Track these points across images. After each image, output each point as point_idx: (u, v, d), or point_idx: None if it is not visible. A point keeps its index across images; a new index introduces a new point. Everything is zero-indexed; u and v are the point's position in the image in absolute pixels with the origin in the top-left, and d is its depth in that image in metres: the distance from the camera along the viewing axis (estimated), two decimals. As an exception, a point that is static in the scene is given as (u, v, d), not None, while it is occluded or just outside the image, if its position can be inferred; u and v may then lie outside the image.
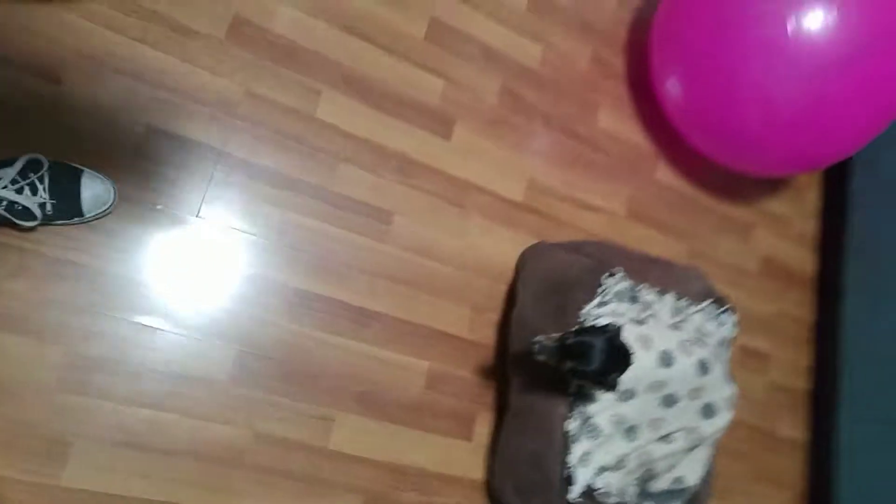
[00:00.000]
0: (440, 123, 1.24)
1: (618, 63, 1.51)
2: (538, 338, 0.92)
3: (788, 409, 1.63)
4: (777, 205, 1.71)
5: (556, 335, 0.91)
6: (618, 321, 1.03)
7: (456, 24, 1.30)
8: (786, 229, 1.72)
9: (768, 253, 1.68)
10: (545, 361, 0.91)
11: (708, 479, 1.19)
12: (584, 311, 1.07)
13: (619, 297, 1.12)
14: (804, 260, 1.74)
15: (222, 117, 1.04)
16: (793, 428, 1.63)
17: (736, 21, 1.20)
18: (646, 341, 1.02)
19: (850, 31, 1.13)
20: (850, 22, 1.12)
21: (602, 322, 1.03)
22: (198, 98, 1.03)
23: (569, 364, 0.86)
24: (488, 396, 1.19)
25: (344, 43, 1.16)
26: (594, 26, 1.49)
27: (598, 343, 0.87)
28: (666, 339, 1.04)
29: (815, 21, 1.12)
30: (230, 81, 1.06)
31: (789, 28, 1.14)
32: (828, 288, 1.71)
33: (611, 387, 0.89)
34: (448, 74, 1.27)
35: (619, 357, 0.92)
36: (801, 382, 1.67)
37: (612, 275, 1.12)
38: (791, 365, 1.66)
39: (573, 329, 0.91)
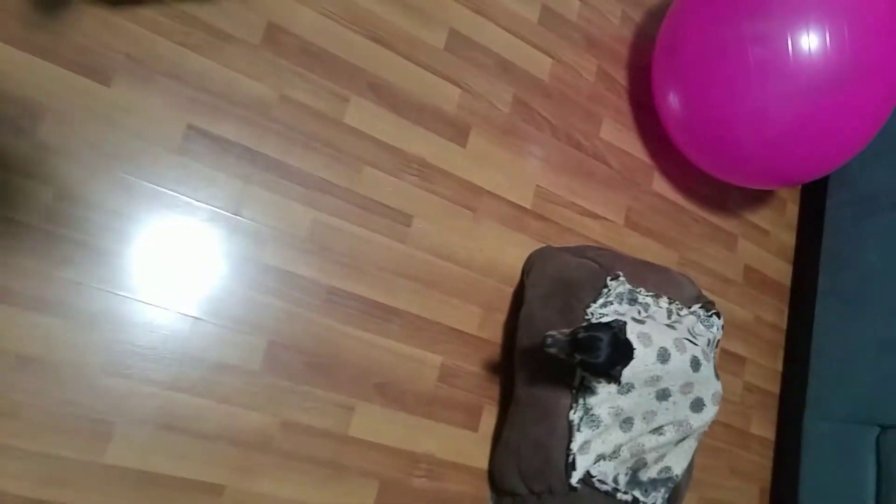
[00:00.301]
0: (456, 130, 1.31)
1: (619, 77, 1.60)
2: (550, 332, 1.00)
3: (760, 409, 1.75)
4: (759, 217, 1.83)
5: (566, 330, 1.00)
6: (620, 320, 1.12)
7: (473, 35, 1.37)
8: (766, 240, 1.84)
9: (749, 262, 1.79)
10: (556, 354, 0.99)
11: (690, 469, 1.30)
12: (589, 310, 1.16)
13: (619, 298, 1.21)
14: (781, 270, 1.87)
15: (257, 119, 1.09)
16: (763, 427, 1.75)
17: (734, 42, 1.30)
18: (645, 339, 1.11)
19: (839, 55, 1.22)
20: (840, 46, 1.22)
21: (607, 320, 1.12)
22: (235, 100, 1.07)
23: (578, 357, 0.95)
24: (494, 391, 1.27)
25: (370, 51, 1.22)
26: (598, 42, 1.57)
27: (606, 337, 0.96)
28: (663, 337, 1.14)
29: (808, 43, 1.22)
30: (265, 85, 1.11)
31: (784, 50, 1.23)
32: (801, 297, 1.84)
33: (615, 379, 0.98)
34: (464, 83, 1.34)
35: (622, 351, 1.01)
36: (772, 385, 1.79)
37: (614, 278, 1.21)
38: (765, 368, 1.78)
39: (583, 325, 1.00)
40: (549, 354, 0.99)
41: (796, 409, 1.68)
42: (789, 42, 1.22)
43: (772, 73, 1.25)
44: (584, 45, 1.54)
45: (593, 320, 1.13)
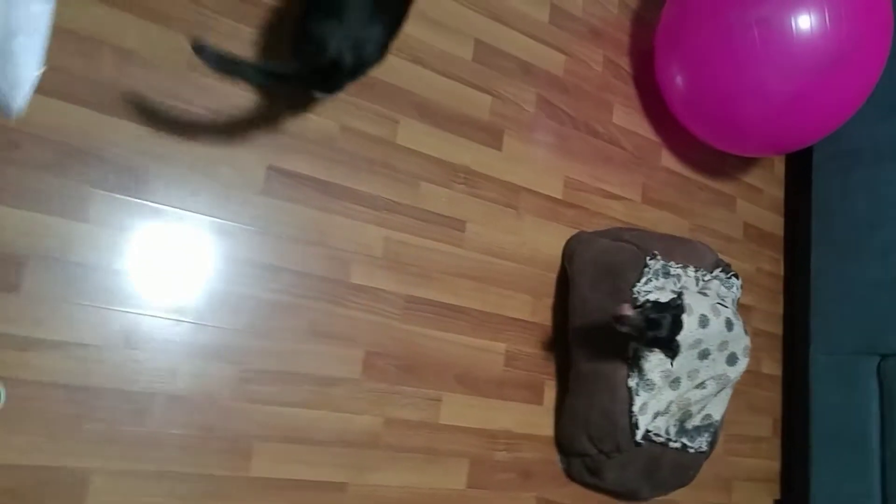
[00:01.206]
0: (492, 136, 1.42)
1: (623, 64, 1.71)
2: (624, 313, 1.14)
3: (768, 350, 1.96)
4: (752, 177, 2.00)
5: (636, 311, 1.14)
6: (660, 295, 1.27)
7: (495, 42, 1.46)
8: (760, 197, 2.02)
9: (748, 219, 1.97)
10: (628, 332, 1.14)
11: (725, 414, 1.49)
12: (635, 289, 1.31)
13: (656, 274, 1.36)
14: (774, 222, 2.05)
15: (325, 152, 1.18)
16: (771, 366, 1.96)
17: (739, 24, 1.41)
18: (688, 308, 1.26)
19: (837, 34, 1.35)
20: (837, 26, 1.35)
21: (652, 297, 1.27)
22: (304, 137, 1.16)
23: (651, 334, 1.10)
24: (551, 367, 1.43)
25: (412, 72, 1.31)
26: (602, 32, 1.68)
27: (670, 316, 1.11)
28: (701, 305, 1.30)
29: (808, 24, 1.35)
30: (327, 119, 1.19)
31: (786, 31, 1.36)
32: (795, 245, 2.03)
33: (675, 352, 1.14)
34: (494, 90, 1.44)
35: (677, 325, 1.17)
36: (775, 327, 2.00)
37: (653, 257, 1.36)
38: (768, 313, 1.98)
39: (648, 306, 1.14)
40: (621, 332, 1.14)
41: (801, 346, 1.89)
42: (791, 23, 1.35)
43: (775, 53, 1.38)
44: (590, 38, 1.65)
45: (641, 299, 1.28)
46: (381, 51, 1.03)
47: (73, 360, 0.93)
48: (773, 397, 1.95)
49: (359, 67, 1.00)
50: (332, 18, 0.94)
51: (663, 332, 1.09)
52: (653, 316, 1.09)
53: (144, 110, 1.02)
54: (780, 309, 2.01)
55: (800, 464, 1.80)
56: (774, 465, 1.88)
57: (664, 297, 1.27)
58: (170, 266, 1.02)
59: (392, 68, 1.28)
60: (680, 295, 1.21)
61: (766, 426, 1.92)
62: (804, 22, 1.35)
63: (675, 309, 1.10)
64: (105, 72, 1.00)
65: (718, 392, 1.40)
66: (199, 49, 0.84)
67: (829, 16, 1.33)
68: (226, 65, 0.91)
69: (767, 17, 1.38)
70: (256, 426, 1.05)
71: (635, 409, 1.27)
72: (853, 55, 1.37)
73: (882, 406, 1.59)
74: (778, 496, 1.85)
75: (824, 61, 1.37)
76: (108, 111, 0.99)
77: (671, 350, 1.13)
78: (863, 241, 1.74)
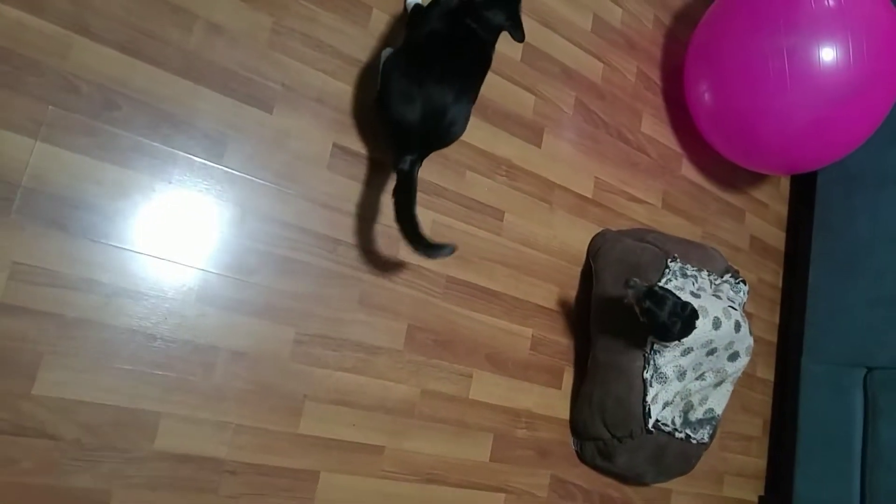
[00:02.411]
0: (533, 133, 1.50)
1: (655, 77, 1.80)
2: (634, 279, 1.24)
3: (763, 356, 2.07)
4: (760, 192, 2.10)
5: (646, 283, 1.24)
6: (681, 294, 1.37)
7: (542, 46, 1.54)
8: (766, 212, 2.13)
9: (754, 232, 2.07)
10: (630, 298, 1.24)
11: (725, 409, 1.59)
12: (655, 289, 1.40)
13: (675, 275, 1.45)
14: (777, 237, 2.16)
15: (381, 135, 1.25)
16: (765, 371, 2.08)
17: (766, 52, 1.51)
18: (703, 311, 1.36)
19: (858, 66, 1.45)
20: (859, 58, 1.45)
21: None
22: (367, 120, 1.23)
23: (647, 303, 1.20)
24: (571, 355, 1.52)
25: (465, 67, 1.38)
26: (637, 45, 1.76)
27: (672, 301, 1.21)
28: (715, 307, 1.39)
29: (828, 58, 1.45)
30: (387, 104, 1.26)
31: (810, 61, 1.46)
32: (795, 260, 2.14)
33: (665, 338, 1.24)
34: (537, 90, 1.51)
35: (684, 326, 1.27)
36: (771, 335, 2.11)
37: (673, 259, 1.45)
38: (765, 321, 2.09)
39: (660, 285, 1.24)
40: (640, 327, 1.24)
41: (793, 355, 2.00)
42: (817, 54, 1.45)
43: (799, 81, 1.48)
44: (626, 49, 1.74)
45: (662, 296, 1.37)
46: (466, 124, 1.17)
47: (150, 310, 0.99)
48: (764, 400, 2.06)
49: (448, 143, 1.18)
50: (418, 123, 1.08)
51: (663, 313, 1.19)
52: (657, 289, 1.18)
53: (227, 81, 1.08)
54: (776, 318, 2.13)
55: (785, 464, 1.92)
56: (761, 464, 2.00)
57: (683, 297, 1.37)
58: (238, 230, 1.09)
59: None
60: (698, 292, 1.31)
61: (756, 426, 2.03)
62: (828, 54, 1.45)
63: (678, 301, 1.20)
64: (194, 43, 1.05)
65: (717, 385, 1.50)
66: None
67: (852, 49, 1.43)
68: None
69: (792, 48, 1.47)
70: (308, 387, 1.12)
71: (648, 399, 1.36)
72: (870, 87, 1.47)
73: (865, 415, 1.70)
74: (762, 493, 1.97)
75: (844, 92, 1.47)
76: (195, 80, 1.05)
77: (664, 336, 1.22)
78: (859, 260, 1.85)
